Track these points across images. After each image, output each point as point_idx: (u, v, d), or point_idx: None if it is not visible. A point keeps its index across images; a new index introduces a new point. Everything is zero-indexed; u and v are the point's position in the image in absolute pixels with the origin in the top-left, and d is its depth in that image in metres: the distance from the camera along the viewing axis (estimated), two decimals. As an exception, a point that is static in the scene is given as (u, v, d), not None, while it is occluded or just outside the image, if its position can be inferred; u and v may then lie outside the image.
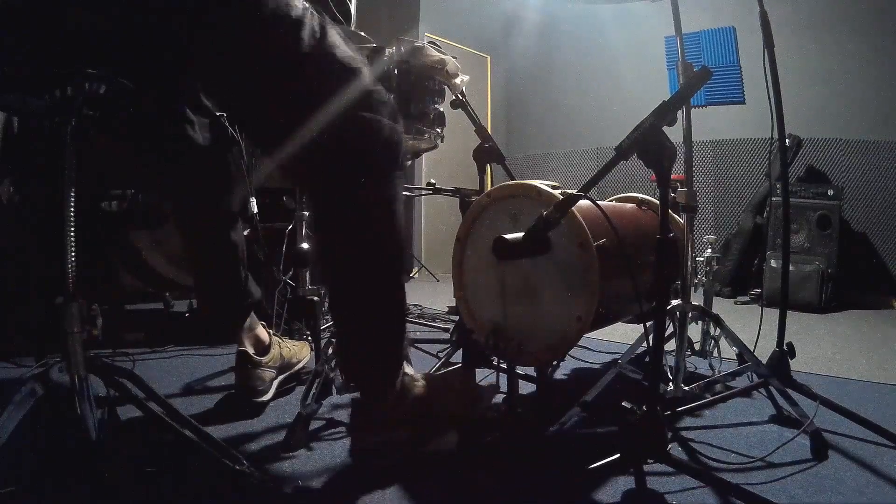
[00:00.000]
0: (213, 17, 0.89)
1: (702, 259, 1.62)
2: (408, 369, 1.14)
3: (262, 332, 1.48)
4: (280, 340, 1.54)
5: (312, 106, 0.95)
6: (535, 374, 1.61)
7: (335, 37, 0.98)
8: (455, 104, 1.79)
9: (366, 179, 1.00)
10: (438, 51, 1.59)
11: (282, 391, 1.50)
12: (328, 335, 1.44)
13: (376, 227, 1.03)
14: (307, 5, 0.96)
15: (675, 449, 1.19)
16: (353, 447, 1.15)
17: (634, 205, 1.68)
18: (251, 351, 1.40)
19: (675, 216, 1.55)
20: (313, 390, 1.25)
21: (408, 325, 1.17)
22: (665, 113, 0.97)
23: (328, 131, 0.94)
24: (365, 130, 0.99)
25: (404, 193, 1.09)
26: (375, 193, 1.02)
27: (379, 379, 1.09)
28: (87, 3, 0.89)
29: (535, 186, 1.33)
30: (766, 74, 1.35)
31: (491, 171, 1.94)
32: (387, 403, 1.09)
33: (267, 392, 1.42)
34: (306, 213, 1.69)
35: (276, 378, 1.47)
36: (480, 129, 1.82)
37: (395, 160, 1.04)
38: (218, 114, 1.38)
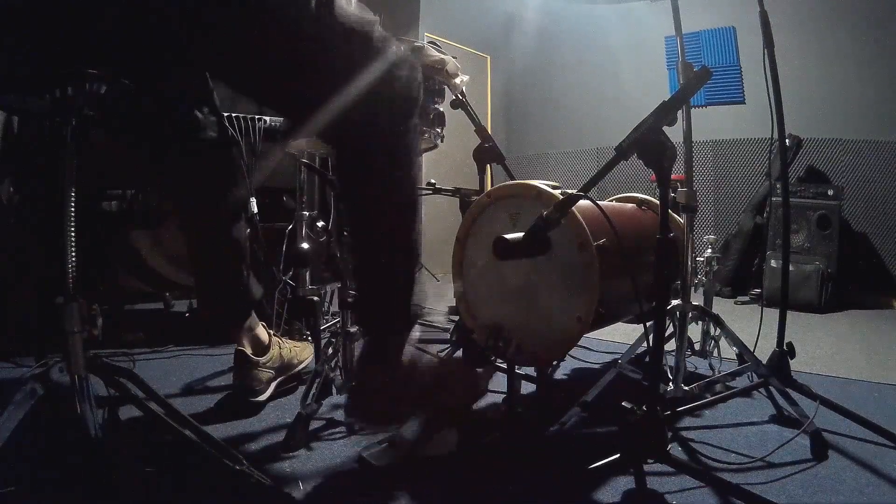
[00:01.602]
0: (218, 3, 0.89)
1: (702, 259, 1.62)
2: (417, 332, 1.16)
3: (262, 333, 1.48)
4: (280, 341, 1.53)
5: (328, 70, 0.97)
6: (535, 374, 1.61)
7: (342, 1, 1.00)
8: (455, 104, 1.79)
9: (383, 127, 1.04)
10: (438, 51, 1.59)
11: (282, 391, 1.49)
12: (328, 335, 1.44)
13: (396, 168, 1.07)
14: None
15: (675, 449, 1.19)
16: (358, 403, 1.15)
17: (634, 205, 1.68)
18: (249, 351, 1.40)
19: (675, 216, 1.55)
20: (313, 390, 1.25)
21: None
22: (665, 113, 0.97)
23: (343, 90, 0.96)
24: (378, 84, 1.00)
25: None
26: (393, 136, 1.06)
27: (395, 315, 1.13)
28: (87, 3, 0.89)
29: (535, 186, 1.33)
30: (766, 74, 1.35)
31: (491, 171, 1.94)
32: (402, 348, 1.10)
33: (264, 392, 1.41)
34: (306, 213, 1.69)
35: (274, 379, 1.47)
36: (480, 129, 1.82)
37: (409, 108, 1.08)
38: (221, 115, 1.38)
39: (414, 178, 1.11)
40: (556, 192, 1.29)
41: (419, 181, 1.14)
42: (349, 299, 1.34)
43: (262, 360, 1.42)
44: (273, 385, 1.46)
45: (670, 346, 1.45)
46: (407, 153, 1.09)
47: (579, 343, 1.43)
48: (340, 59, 0.98)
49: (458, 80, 1.68)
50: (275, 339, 1.51)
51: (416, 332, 1.16)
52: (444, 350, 1.79)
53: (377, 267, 1.13)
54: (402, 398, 1.10)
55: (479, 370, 1.30)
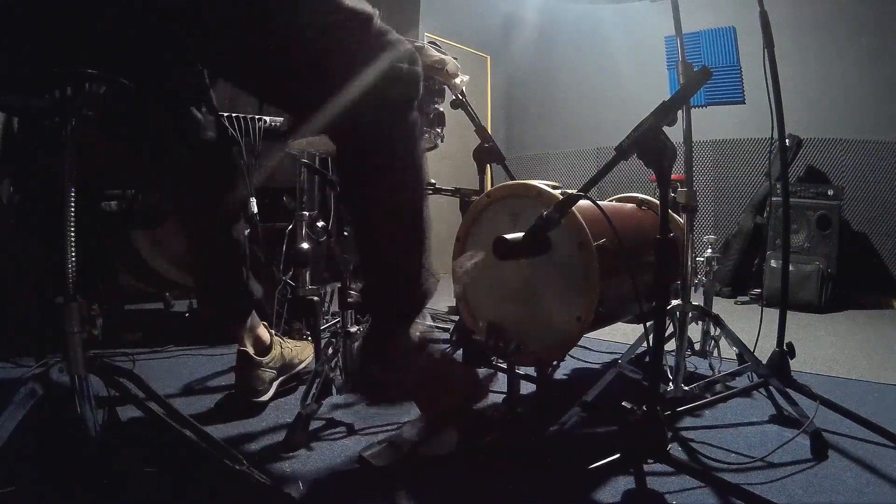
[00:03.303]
0: None
1: (702, 259, 1.62)
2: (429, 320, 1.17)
3: (264, 332, 1.48)
4: (282, 340, 1.54)
5: (328, 56, 0.97)
6: (535, 374, 1.61)
7: None
8: (455, 104, 1.79)
9: (383, 121, 1.03)
10: (438, 51, 1.59)
11: (282, 391, 1.50)
12: (328, 335, 1.44)
13: (398, 163, 1.07)
14: None
15: (675, 449, 1.19)
16: (363, 379, 1.16)
17: (634, 205, 1.68)
18: (251, 351, 1.40)
19: (675, 216, 1.55)
20: (313, 390, 1.25)
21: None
22: (665, 113, 0.97)
23: (346, 81, 0.96)
24: (378, 75, 1.00)
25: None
26: (395, 130, 1.05)
27: (404, 304, 1.12)
28: (87, 3, 0.89)
29: (535, 186, 1.33)
30: (766, 74, 1.35)
31: (491, 171, 1.94)
32: (406, 337, 1.11)
33: (266, 392, 1.41)
34: (306, 213, 1.69)
35: (276, 378, 1.47)
36: (480, 129, 1.82)
37: (410, 100, 1.06)
38: (219, 113, 1.38)
39: (417, 170, 1.10)
40: (556, 192, 1.29)
41: (423, 174, 1.12)
42: (350, 299, 1.34)
43: (265, 360, 1.42)
44: (275, 385, 1.46)
45: (670, 346, 1.45)
46: (408, 146, 1.08)
47: (579, 343, 1.43)
48: (337, 47, 0.98)
49: (458, 80, 1.68)
50: (276, 338, 1.51)
51: (427, 320, 1.17)
52: (444, 350, 1.80)
53: (382, 258, 1.12)
54: (404, 384, 1.11)
55: (482, 373, 1.29)
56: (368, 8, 1.02)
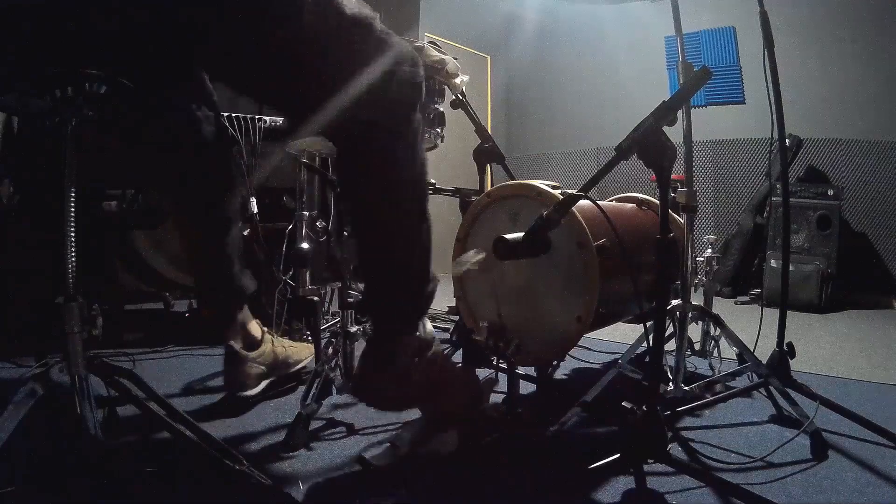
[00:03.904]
0: None
1: (702, 259, 1.62)
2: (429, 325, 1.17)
3: (255, 328, 1.47)
4: (274, 338, 1.53)
5: (327, 65, 0.97)
6: (535, 374, 1.61)
7: None
8: (455, 104, 1.79)
9: (386, 124, 1.03)
10: (438, 51, 1.59)
11: (281, 391, 1.49)
12: (328, 335, 1.44)
13: (400, 166, 1.07)
14: None
15: (675, 449, 1.19)
16: (366, 389, 1.15)
17: (634, 205, 1.68)
18: (239, 346, 1.40)
19: (675, 216, 1.55)
20: (313, 390, 1.25)
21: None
22: (665, 113, 0.97)
23: (346, 87, 0.96)
24: (381, 79, 1.00)
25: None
26: (396, 133, 1.05)
27: (407, 310, 1.12)
28: (88, 3, 0.89)
29: (535, 186, 1.33)
30: (766, 74, 1.35)
31: (491, 171, 1.94)
32: (410, 343, 1.10)
33: (252, 388, 1.40)
34: (306, 213, 1.69)
35: (266, 376, 1.45)
36: (480, 129, 1.82)
37: (412, 103, 1.06)
38: (219, 113, 1.38)
39: (419, 173, 1.09)
40: (556, 192, 1.29)
41: (425, 177, 1.12)
42: (350, 299, 1.34)
43: (252, 355, 1.41)
44: (264, 383, 1.45)
45: (670, 346, 1.45)
46: (410, 149, 1.07)
47: (579, 343, 1.43)
48: (341, 52, 0.97)
49: (458, 80, 1.68)
50: (268, 336, 1.50)
51: (428, 325, 1.16)
52: (444, 350, 1.79)
53: (384, 262, 1.12)
54: (407, 391, 1.11)
55: (482, 376, 1.29)
56: (370, 13, 1.02)
